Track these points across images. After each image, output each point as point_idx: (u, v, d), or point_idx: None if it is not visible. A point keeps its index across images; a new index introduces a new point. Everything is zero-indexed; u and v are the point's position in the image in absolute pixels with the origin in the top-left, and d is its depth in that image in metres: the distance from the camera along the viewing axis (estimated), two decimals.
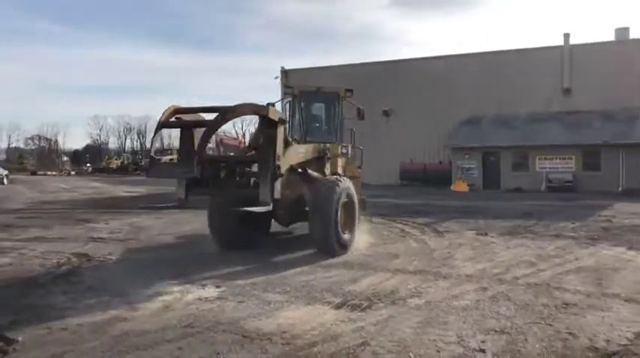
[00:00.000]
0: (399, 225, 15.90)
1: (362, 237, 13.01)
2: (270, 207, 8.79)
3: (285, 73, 42.05)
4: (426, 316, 6.37)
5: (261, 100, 12.90)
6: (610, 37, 35.85)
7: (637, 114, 31.30)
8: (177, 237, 13.40)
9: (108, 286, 7.85)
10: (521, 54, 35.71)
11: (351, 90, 12.94)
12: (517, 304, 6.97)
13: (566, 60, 34.11)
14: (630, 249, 11.37)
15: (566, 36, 34.62)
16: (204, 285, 7.94)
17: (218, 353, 5.07)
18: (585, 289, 7.81)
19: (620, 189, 28.01)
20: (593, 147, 29.67)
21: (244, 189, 9.42)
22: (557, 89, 34.13)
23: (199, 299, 7.15)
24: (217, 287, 7.85)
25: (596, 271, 9.12)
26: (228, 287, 7.81)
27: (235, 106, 8.65)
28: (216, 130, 9.82)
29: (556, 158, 30.65)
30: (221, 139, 48.74)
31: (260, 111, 9.02)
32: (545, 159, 30.85)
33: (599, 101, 31.72)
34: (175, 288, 7.74)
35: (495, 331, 5.82)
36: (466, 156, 32.60)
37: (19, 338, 5.43)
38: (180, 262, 9.96)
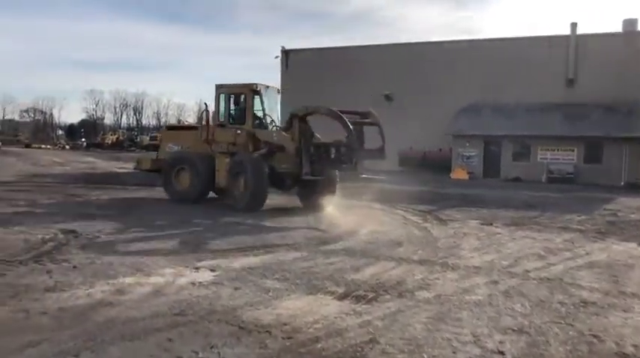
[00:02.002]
0: (400, 212, 15.46)
1: (362, 223, 12.64)
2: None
3: (286, 53, 41.22)
4: (437, 311, 5.91)
5: (257, 80, 15.82)
6: (617, 28, 35.14)
7: None
8: (172, 215, 12.90)
9: (95, 266, 7.35)
10: (526, 42, 34.98)
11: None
12: (532, 300, 6.52)
13: (572, 50, 33.43)
14: None
15: (573, 25, 33.88)
16: (198, 268, 7.46)
17: (212, 347, 4.59)
18: (601, 286, 7.38)
19: (622, 183, 27.60)
20: (595, 140, 29.17)
21: (345, 164, 14.48)
22: (561, 79, 33.51)
23: (193, 283, 6.66)
24: (212, 270, 7.38)
25: (610, 267, 8.69)
26: (223, 271, 7.34)
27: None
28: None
29: (558, 149, 30.15)
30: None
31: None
32: (547, 149, 30.34)
33: (603, 93, 31.09)
34: (167, 271, 7.25)
35: (513, 330, 5.36)
36: (467, 144, 32.08)
37: None
38: (173, 242, 9.50)
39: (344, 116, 14.06)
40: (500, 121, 31.69)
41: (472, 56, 35.19)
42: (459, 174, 31.22)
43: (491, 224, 13.49)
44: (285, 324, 5.24)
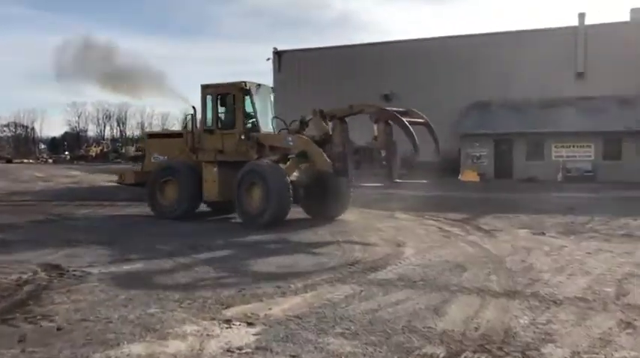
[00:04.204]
0: (432, 222, 13.62)
1: (399, 239, 10.81)
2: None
3: (278, 55, 39.26)
4: None
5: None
6: (625, 17, 33.69)
7: None
8: (173, 238, 10.87)
9: (87, 325, 5.32)
10: (530, 35, 33.38)
11: (272, 89, 15.48)
12: None
13: (581, 42, 31.89)
14: None
15: (581, 16, 32.32)
16: (229, 321, 5.46)
17: None
18: None
19: None
20: (614, 135, 27.49)
21: (382, 169, 12.52)
22: (570, 73, 31.91)
23: (229, 350, 4.67)
24: (249, 324, 5.38)
25: None
26: (265, 325, 5.35)
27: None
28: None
29: (574, 146, 28.46)
30: None
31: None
32: (562, 147, 28.64)
33: (615, 86, 29.52)
34: (187, 328, 5.25)
35: None
36: (476, 144, 30.28)
37: None
38: (185, 277, 7.48)
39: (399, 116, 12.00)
40: (511, 119, 30.00)
41: (476, 52, 33.49)
42: (468, 176, 29.39)
43: (543, 233, 11.75)
44: None
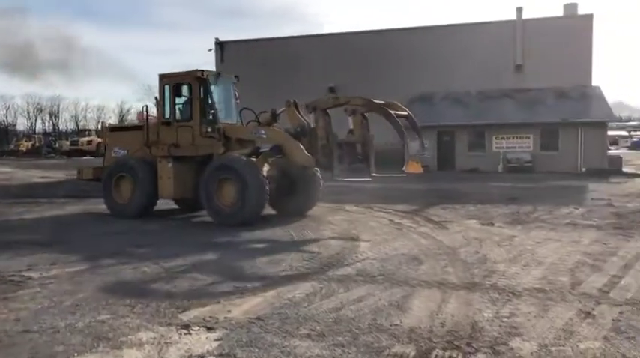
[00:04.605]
0: (382, 214, 13.65)
1: (352, 233, 10.79)
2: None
3: (221, 45, 38.50)
4: None
5: None
6: (558, 12, 34.92)
7: (590, 92, 30.57)
8: (122, 237, 10.38)
9: (31, 337, 4.91)
10: (471, 28, 34.13)
11: (236, 78, 14.20)
12: None
13: (519, 35, 32.82)
14: None
15: (519, 10, 33.25)
16: (188, 326, 5.17)
17: None
18: None
19: (583, 169, 27.04)
20: (551, 126, 28.47)
21: (360, 163, 12.26)
22: (508, 65, 32.84)
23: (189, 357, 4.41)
24: (209, 328, 5.11)
25: None
26: (226, 329, 5.10)
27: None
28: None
29: (513, 137, 29.29)
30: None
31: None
32: (502, 138, 29.42)
33: (552, 78, 30.65)
34: (143, 335, 4.93)
35: None
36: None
37: None
38: (136, 279, 7.10)
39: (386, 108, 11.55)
40: (453, 111, 30.58)
41: (418, 45, 33.94)
42: (412, 167, 29.60)
43: (492, 224, 11.97)
44: None
